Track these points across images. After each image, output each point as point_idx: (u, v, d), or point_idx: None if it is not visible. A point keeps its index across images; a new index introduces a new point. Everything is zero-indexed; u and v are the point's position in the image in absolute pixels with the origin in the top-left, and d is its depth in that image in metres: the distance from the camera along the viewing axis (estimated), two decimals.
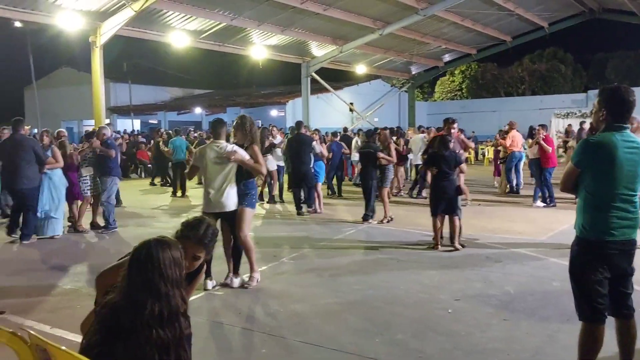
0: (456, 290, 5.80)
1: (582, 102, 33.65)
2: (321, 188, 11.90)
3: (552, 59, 45.36)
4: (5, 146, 8.79)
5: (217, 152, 5.77)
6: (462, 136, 12.27)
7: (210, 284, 5.88)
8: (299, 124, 11.96)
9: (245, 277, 6.07)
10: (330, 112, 30.66)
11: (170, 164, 15.33)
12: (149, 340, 2.08)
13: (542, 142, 11.60)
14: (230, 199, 5.80)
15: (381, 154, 9.84)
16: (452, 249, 7.63)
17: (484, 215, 10.56)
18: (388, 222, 9.94)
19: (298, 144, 11.36)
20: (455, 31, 25.22)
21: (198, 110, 35.93)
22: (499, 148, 14.58)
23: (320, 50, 24.34)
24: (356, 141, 16.28)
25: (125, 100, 35.19)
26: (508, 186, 13.85)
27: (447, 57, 31.12)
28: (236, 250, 6.01)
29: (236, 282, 5.98)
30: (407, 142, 15.46)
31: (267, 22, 19.44)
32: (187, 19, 17.99)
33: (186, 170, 14.17)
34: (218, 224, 5.99)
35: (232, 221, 5.89)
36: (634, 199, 3.41)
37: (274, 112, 33.30)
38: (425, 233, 8.58)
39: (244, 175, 5.96)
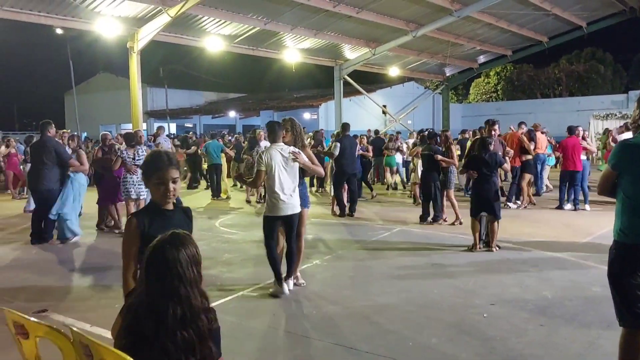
0: (492, 295, 5.71)
1: (623, 103, 32.74)
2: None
3: (591, 60, 44.31)
4: (32, 148, 9.28)
5: (283, 154, 5.73)
6: (523, 135, 12.18)
7: (291, 282, 6.00)
8: (346, 126, 11.84)
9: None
10: (363, 115, 30.61)
11: (207, 166, 15.56)
12: (174, 344, 2.08)
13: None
14: (298, 201, 5.85)
15: (439, 156, 9.83)
16: (487, 249, 7.63)
17: (520, 219, 10.37)
18: (460, 224, 9.72)
19: (351, 145, 11.53)
20: (490, 32, 24.85)
21: (232, 113, 36.36)
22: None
23: (353, 53, 24.33)
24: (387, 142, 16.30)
25: (161, 104, 35.90)
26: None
27: (481, 59, 30.69)
28: (291, 252, 5.95)
29: (291, 283, 6.02)
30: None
31: (300, 26, 19.54)
32: (221, 24, 18.22)
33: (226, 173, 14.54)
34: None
35: (293, 224, 5.85)
36: None
37: (306, 115, 33.43)
38: (462, 236, 8.50)
39: (299, 176, 6.02)
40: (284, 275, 5.89)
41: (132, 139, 9.44)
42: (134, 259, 2.81)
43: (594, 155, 13.48)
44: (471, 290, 5.92)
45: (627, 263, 3.32)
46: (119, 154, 9.32)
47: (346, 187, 11.55)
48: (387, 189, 16.00)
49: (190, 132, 27.25)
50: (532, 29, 25.32)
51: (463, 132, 17.39)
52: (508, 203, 11.73)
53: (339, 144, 11.27)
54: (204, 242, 8.20)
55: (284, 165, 5.70)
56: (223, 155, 14.67)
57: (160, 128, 14.92)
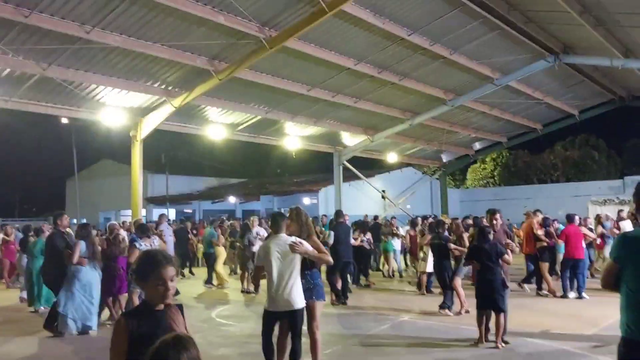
0: None
1: (619, 188, 33.03)
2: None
3: (585, 146, 45.22)
4: None
5: (280, 246, 5.56)
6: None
7: None
8: (340, 213, 12.17)
9: None
10: (363, 199, 30.78)
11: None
12: None
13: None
14: (298, 296, 5.55)
15: (452, 245, 9.82)
16: (494, 346, 7.29)
17: (524, 308, 10.13)
18: (466, 312, 9.49)
19: (344, 232, 11.69)
20: (484, 120, 25.54)
21: (232, 198, 36.57)
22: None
23: (352, 140, 24.86)
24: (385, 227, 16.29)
25: (161, 190, 36.16)
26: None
27: (477, 145, 31.31)
28: (295, 351, 5.61)
29: None
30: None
31: (300, 115, 20.10)
32: (224, 113, 18.74)
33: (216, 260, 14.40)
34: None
35: (294, 320, 5.55)
36: None
37: (306, 200, 33.62)
38: (466, 327, 8.27)
39: (307, 266, 5.82)
40: None
41: (146, 230, 9.33)
42: None
43: (593, 241, 13.31)
44: None
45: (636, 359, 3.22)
46: (135, 245, 9.01)
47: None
48: (389, 275, 15.71)
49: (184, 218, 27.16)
50: (526, 116, 26.04)
51: (465, 218, 17.37)
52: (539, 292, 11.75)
53: (332, 232, 11.37)
54: (199, 335, 7.95)
55: (279, 258, 5.51)
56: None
57: (162, 216, 14.95)
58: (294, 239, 5.65)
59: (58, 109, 15.21)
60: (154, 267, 2.80)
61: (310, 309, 5.75)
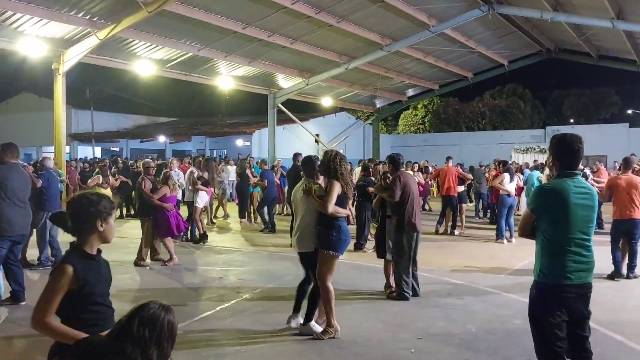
0: (418, 329, 5.80)
1: (541, 137, 34.71)
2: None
3: (512, 95, 46.84)
4: None
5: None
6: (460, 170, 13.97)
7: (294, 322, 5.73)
8: (296, 155, 12.85)
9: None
10: (296, 143, 30.74)
11: None
12: None
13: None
14: (305, 238, 5.81)
15: (371, 188, 10.07)
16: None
17: (445, 251, 10.63)
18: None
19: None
20: (418, 67, 25.81)
21: (162, 138, 35.55)
22: None
23: (287, 82, 24.54)
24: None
25: (86, 127, 34.58)
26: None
27: (410, 92, 31.75)
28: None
29: (294, 322, 5.79)
30: None
31: (234, 54, 19.54)
32: (153, 48, 17.91)
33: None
34: None
35: (302, 262, 6.00)
36: (588, 243, 3.52)
37: (239, 142, 33.24)
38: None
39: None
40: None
41: None
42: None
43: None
44: (399, 324, 5.99)
45: (547, 303, 3.47)
46: None
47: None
48: None
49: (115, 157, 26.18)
50: (458, 64, 26.53)
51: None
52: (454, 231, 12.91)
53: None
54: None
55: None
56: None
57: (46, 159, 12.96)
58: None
59: None
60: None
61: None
